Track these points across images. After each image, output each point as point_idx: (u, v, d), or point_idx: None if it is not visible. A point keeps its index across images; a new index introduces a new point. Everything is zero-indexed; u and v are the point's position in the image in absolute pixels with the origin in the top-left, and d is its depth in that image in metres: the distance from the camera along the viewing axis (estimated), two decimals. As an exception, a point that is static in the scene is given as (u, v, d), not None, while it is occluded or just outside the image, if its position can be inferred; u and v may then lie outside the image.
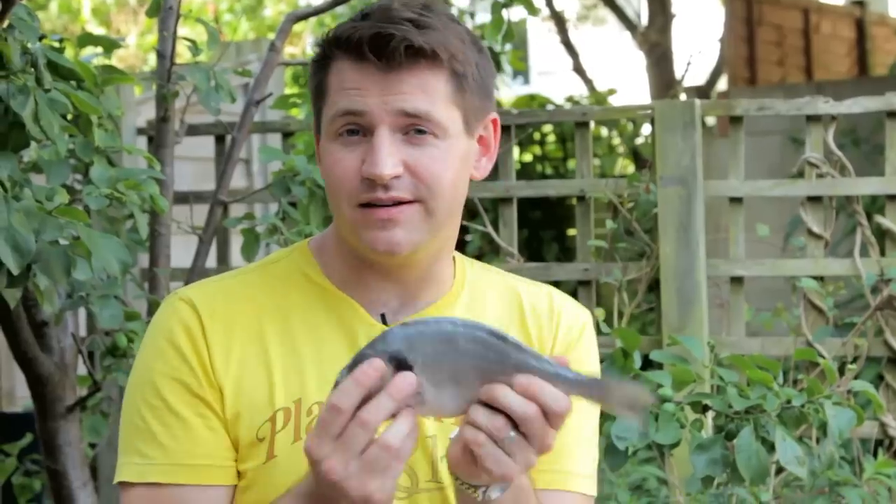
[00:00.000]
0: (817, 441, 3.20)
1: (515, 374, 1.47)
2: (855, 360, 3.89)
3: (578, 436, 1.73)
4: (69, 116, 2.84)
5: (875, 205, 5.38)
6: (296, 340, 1.68)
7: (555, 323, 1.76)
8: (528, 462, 1.49)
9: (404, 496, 1.67)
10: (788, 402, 2.86)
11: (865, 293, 4.02)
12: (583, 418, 1.74)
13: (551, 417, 1.47)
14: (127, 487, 1.66)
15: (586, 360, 1.77)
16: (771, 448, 2.81)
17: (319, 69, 1.66)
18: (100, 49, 3.26)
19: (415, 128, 1.61)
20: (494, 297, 1.77)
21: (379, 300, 1.69)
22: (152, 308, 3.36)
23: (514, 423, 1.47)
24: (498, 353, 1.48)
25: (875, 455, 3.79)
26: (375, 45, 1.59)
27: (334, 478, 1.45)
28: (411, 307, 1.70)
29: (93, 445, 3.90)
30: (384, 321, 1.68)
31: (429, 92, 1.60)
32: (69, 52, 2.94)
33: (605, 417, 2.88)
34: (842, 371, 3.56)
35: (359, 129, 1.61)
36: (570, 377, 1.50)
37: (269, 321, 1.68)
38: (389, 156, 1.59)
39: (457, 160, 1.64)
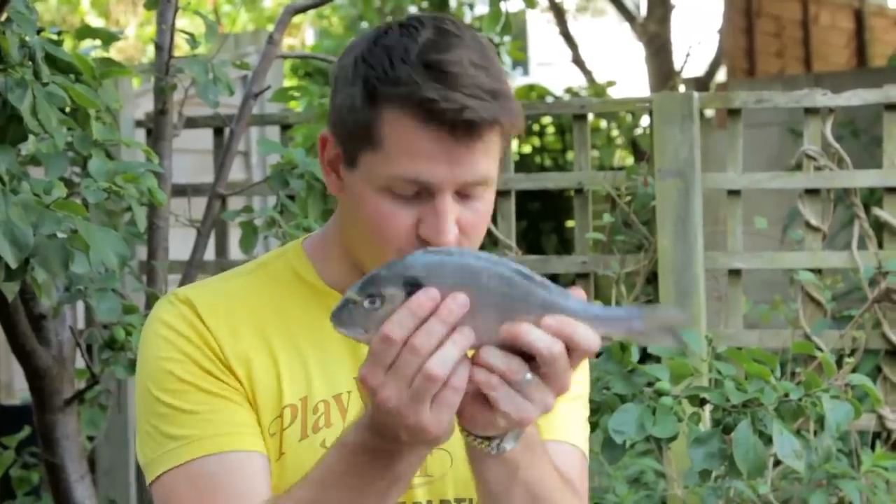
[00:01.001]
0: (815, 434, 3.20)
1: (541, 312, 1.41)
2: (853, 352, 3.90)
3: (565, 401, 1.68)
4: (67, 109, 2.84)
5: (873, 197, 5.38)
6: (297, 339, 1.66)
7: None
8: (546, 404, 1.43)
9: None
10: (786, 395, 2.86)
11: (863, 286, 4.02)
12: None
13: (576, 355, 1.43)
14: (161, 478, 1.61)
15: None
16: (768, 441, 2.81)
17: (365, 105, 1.57)
18: (98, 41, 3.25)
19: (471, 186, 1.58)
20: None
21: None
22: (150, 301, 3.36)
23: (528, 364, 1.41)
24: (523, 290, 1.42)
25: (873, 447, 3.80)
26: (456, 119, 1.53)
27: (390, 405, 1.42)
28: None
29: (91, 438, 3.90)
30: None
31: (490, 156, 1.57)
32: (67, 45, 2.94)
33: (603, 412, 2.88)
34: (839, 364, 3.56)
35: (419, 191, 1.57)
36: (600, 314, 1.44)
37: (270, 321, 1.67)
38: (453, 223, 1.56)
39: (492, 202, 1.63)
